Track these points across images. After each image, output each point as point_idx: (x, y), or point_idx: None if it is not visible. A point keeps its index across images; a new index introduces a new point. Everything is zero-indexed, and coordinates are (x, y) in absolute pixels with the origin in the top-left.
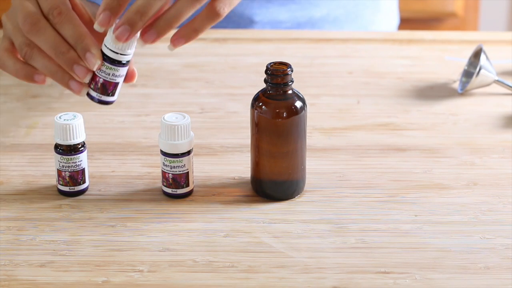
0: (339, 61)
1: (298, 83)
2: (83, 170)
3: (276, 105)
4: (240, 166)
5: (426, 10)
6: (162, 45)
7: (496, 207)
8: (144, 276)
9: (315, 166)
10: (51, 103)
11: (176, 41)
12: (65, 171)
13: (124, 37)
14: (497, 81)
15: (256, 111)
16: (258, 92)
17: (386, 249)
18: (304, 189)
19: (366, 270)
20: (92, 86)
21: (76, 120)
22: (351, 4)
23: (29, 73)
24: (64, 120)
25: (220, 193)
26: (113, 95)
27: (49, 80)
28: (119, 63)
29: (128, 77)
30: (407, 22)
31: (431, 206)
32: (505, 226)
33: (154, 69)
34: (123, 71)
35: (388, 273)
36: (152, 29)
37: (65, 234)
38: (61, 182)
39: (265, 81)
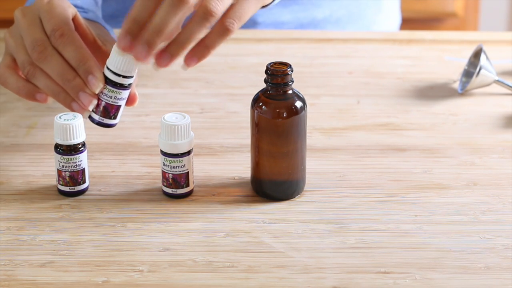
0: (339, 61)
1: (298, 83)
2: (83, 170)
3: (276, 105)
4: (240, 166)
5: (426, 10)
6: (162, 45)
7: (496, 207)
8: (144, 276)
9: (315, 166)
10: (51, 103)
11: (189, 60)
12: (65, 171)
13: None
14: (497, 81)
15: (256, 111)
16: (258, 92)
17: (386, 249)
18: (304, 189)
19: (366, 270)
20: (94, 109)
21: (76, 120)
22: (353, 4)
23: (31, 92)
24: (64, 120)
25: (220, 193)
26: (115, 118)
27: (50, 99)
28: (121, 86)
29: (129, 101)
30: (407, 22)
31: (431, 206)
32: (505, 226)
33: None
34: (125, 94)
35: (388, 273)
36: (166, 53)
37: (65, 234)
38: (61, 182)
39: (265, 81)
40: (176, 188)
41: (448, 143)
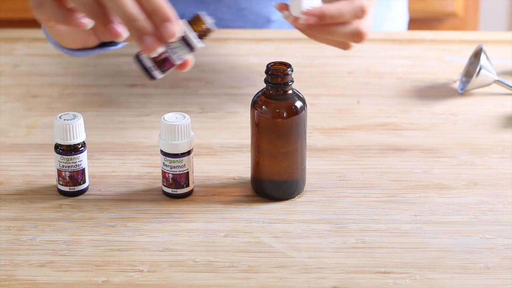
0: (339, 61)
1: (298, 83)
2: (83, 170)
3: (276, 105)
4: (240, 166)
5: (426, 10)
6: None
7: (496, 207)
8: (144, 276)
9: (315, 166)
10: (51, 103)
11: (310, 18)
12: (65, 171)
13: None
14: (497, 81)
15: (256, 111)
16: (258, 92)
17: (386, 249)
18: (304, 189)
19: (366, 270)
20: (146, 54)
21: (76, 120)
22: None
23: (70, 15)
24: (64, 120)
25: (220, 193)
26: (163, 73)
27: (90, 24)
28: (192, 49)
29: (184, 65)
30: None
31: (431, 206)
32: (505, 226)
33: None
34: (186, 57)
35: (388, 273)
36: (314, 17)
37: (65, 234)
38: (61, 182)
39: (265, 81)
40: (176, 188)
41: (448, 143)
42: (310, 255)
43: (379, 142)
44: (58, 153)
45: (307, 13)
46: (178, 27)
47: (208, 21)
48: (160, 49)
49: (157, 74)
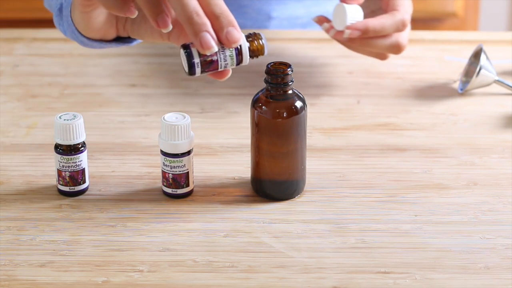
0: (339, 61)
1: (298, 83)
2: (83, 170)
3: (276, 105)
4: (240, 166)
5: (426, 10)
6: (163, 45)
7: (496, 207)
8: (144, 276)
9: (315, 166)
10: (51, 103)
11: (354, 32)
12: (65, 171)
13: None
14: (497, 81)
15: (256, 111)
16: (258, 92)
17: (386, 249)
18: (304, 189)
19: (366, 270)
20: (197, 49)
21: (76, 120)
22: None
23: (124, 1)
24: (64, 120)
25: (220, 193)
26: (202, 73)
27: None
28: (240, 62)
29: (223, 74)
30: None
31: (431, 206)
32: (505, 226)
33: (154, 69)
34: (232, 66)
35: (388, 273)
36: (357, 31)
37: (65, 234)
38: (61, 182)
39: (265, 81)
40: (176, 188)
41: (448, 143)
42: (310, 255)
43: (379, 142)
44: (58, 153)
45: (351, 27)
46: (241, 36)
47: (264, 43)
48: (214, 51)
49: (198, 71)
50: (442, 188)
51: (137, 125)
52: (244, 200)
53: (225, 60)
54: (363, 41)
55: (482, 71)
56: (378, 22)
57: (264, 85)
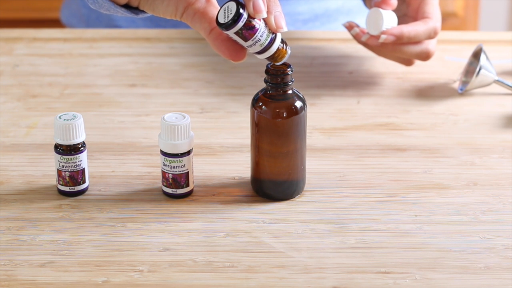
0: (339, 61)
1: (298, 83)
2: (83, 170)
3: (276, 105)
4: (240, 166)
5: None
6: (163, 45)
7: (496, 207)
8: (144, 276)
9: (315, 166)
10: (51, 103)
11: (389, 37)
12: (65, 171)
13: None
14: (497, 81)
15: (256, 111)
16: (258, 92)
17: (386, 249)
18: (304, 189)
19: (366, 270)
20: (242, 22)
21: (76, 120)
22: None
23: None
24: (64, 120)
25: (220, 193)
26: (239, 30)
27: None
28: (266, 48)
29: (239, 55)
30: None
31: (431, 206)
32: (505, 226)
33: (154, 69)
34: (258, 49)
35: (388, 273)
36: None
37: (65, 234)
38: (61, 182)
39: (265, 81)
40: (176, 188)
41: (448, 143)
42: (310, 255)
43: (379, 142)
44: (58, 153)
45: (387, 33)
46: (285, 26)
47: (288, 54)
48: (262, 17)
49: (239, 26)
50: (442, 188)
51: (137, 125)
52: (244, 200)
53: (262, 36)
54: (395, 47)
55: (482, 71)
56: (413, 28)
57: (264, 85)
